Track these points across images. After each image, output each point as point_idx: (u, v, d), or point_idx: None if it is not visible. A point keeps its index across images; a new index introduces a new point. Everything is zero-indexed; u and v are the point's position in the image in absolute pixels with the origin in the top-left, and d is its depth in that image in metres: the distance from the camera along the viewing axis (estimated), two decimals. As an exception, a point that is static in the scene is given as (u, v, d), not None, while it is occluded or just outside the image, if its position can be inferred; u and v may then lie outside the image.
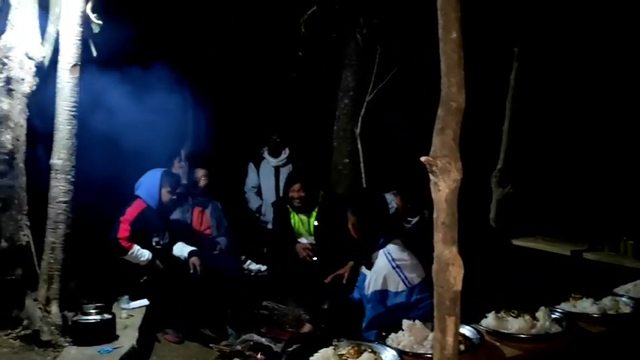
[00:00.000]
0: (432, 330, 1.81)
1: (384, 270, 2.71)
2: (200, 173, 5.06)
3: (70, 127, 3.53)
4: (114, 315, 3.42)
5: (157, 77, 4.50)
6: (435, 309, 1.33)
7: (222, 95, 5.25)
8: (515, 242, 3.60)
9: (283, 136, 5.51)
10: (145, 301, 4.09)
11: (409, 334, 1.77)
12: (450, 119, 1.38)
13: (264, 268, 5.27)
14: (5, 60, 3.25)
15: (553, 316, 2.00)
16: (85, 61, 3.59)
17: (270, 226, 5.59)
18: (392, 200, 5.54)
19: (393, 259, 2.69)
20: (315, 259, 4.79)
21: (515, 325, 1.87)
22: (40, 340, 3.19)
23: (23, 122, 3.35)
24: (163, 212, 4.47)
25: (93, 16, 3.57)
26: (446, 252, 1.33)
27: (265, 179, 5.66)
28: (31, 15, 3.38)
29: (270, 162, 5.60)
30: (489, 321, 1.93)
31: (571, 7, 3.46)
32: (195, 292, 4.36)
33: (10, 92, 3.26)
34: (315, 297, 4.80)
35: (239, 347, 4.03)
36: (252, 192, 5.70)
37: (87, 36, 3.62)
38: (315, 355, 1.60)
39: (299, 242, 4.91)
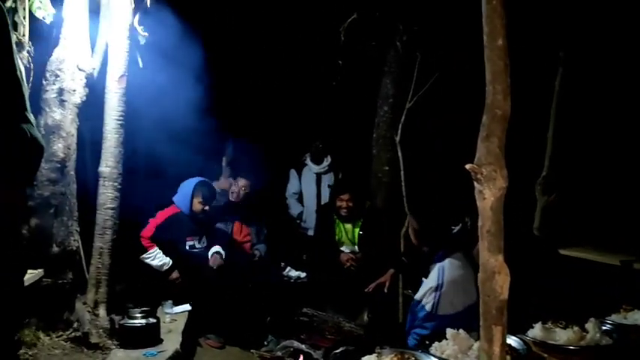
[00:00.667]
0: (476, 340, 1.80)
1: (430, 284, 2.70)
2: (241, 183, 5.13)
3: (117, 135, 3.66)
4: (158, 319, 3.50)
5: (200, 85, 4.61)
6: (482, 318, 1.32)
7: (264, 102, 5.31)
8: (563, 252, 3.51)
9: (326, 143, 5.55)
10: (187, 306, 4.17)
11: (453, 343, 1.75)
12: (495, 127, 1.37)
13: (303, 275, 5.30)
14: (58, 72, 3.38)
15: (603, 327, 1.95)
16: (130, 72, 3.73)
17: (310, 232, 5.63)
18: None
19: (443, 279, 2.66)
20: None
21: (563, 336, 1.83)
22: (89, 343, 3.30)
23: (74, 131, 3.47)
24: (199, 218, 4.51)
25: (140, 29, 3.70)
26: (492, 260, 1.31)
27: (307, 186, 5.69)
28: (82, 29, 3.51)
29: (312, 169, 5.63)
30: (536, 331, 1.89)
31: (619, 10, 3.38)
32: (235, 297, 4.44)
33: (62, 103, 3.38)
34: (356, 305, 4.83)
35: (279, 353, 4.07)
36: (293, 198, 5.75)
37: (133, 47, 3.75)
38: (359, 361, 1.61)
39: (342, 251, 4.94)
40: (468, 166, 1.37)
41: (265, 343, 4.45)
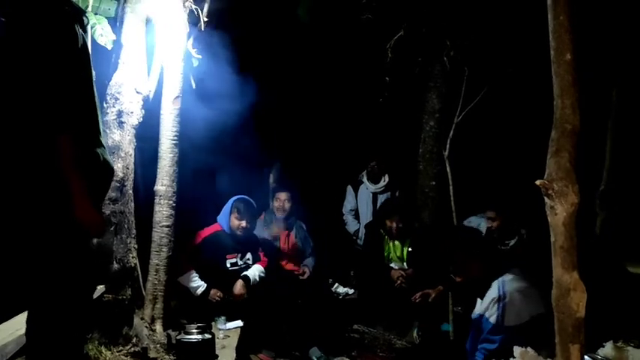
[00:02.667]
0: (545, 358, 1.77)
1: (491, 295, 2.67)
2: (282, 197, 5.17)
3: (172, 155, 3.76)
4: (214, 335, 3.56)
5: (250, 104, 4.71)
6: (557, 336, 1.30)
7: (315, 122, 5.40)
8: (630, 269, 3.40)
9: (382, 162, 5.57)
10: (239, 322, 4.22)
11: (521, 360, 1.74)
12: (564, 141, 1.37)
13: (351, 291, 5.31)
14: (117, 95, 3.50)
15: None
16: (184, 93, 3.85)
17: (366, 249, 5.64)
18: (480, 223, 5.45)
19: (504, 291, 2.62)
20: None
21: (636, 355, 1.78)
22: (148, 357, 3.37)
23: (132, 151, 3.58)
24: (235, 237, 4.49)
25: (193, 51, 3.82)
26: (566, 277, 1.30)
27: (363, 204, 5.72)
28: (140, 53, 3.64)
29: (368, 188, 5.66)
30: (607, 350, 1.85)
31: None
32: (285, 312, 4.46)
33: (121, 124, 3.50)
34: (405, 323, 4.80)
35: (331, 370, 4.08)
36: (350, 215, 5.78)
37: (187, 70, 3.88)
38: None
39: (392, 268, 4.93)
40: (538, 182, 1.37)
41: (314, 359, 4.46)
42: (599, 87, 3.65)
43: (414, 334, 4.67)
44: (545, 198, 1.35)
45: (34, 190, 1.95)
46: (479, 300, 2.86)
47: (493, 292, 2.66)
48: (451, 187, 4.52)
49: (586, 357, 1.79)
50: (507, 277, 2.71)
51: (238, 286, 4.35)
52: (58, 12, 2.00)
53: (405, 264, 5.04)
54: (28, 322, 2.03)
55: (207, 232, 4.39)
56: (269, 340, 4.35)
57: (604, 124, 3.67)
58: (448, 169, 4.55)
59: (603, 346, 1.91)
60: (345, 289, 5.33)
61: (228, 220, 4.39)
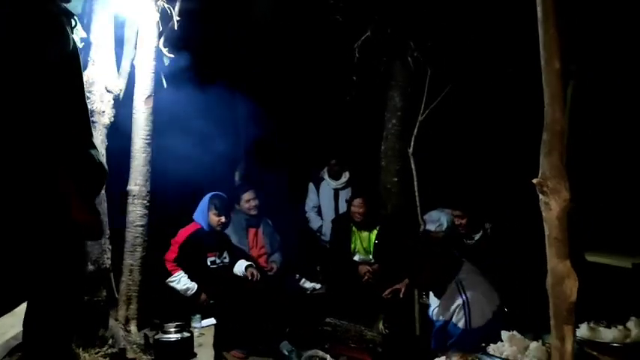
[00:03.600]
0: (531, 340, 1.92)
1: (456, 302, 2.71)
2: (247, 196, 5.20)
3: (145, 154, 3.76)
4: (192, 333, 3.58)
5: (215, 102, 4.72)
6: (553, 318, 1.44)
7: (282, 118, 5.46)
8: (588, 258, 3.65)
9: (342, 160, 5.66)
10: (213, 320, 4.25)
11: (510, 344, 1.87)
12: (555, 142, 1.51)
13: (318, 286, 5.40)
14: (88, 94, 3.46)
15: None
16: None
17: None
18: (442, 217, 5.65)
19: (466, 294, 2.69)
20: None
21: (609, 335, 1.95)
22: (126, 358, 3.36)
23: (103, 151, 3.55)
24: (218, 233, 4.59)
25: (165, 50, 3.81)
26: (560, 266, 1.44)
27: (325, 200, 5.80)
28: (109, 51, 3.61)
29: (330, 184, 5.75)
30: (583, 331, 2.02)
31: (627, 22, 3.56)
32: (256, 308, 4.52)
33: (92, 124, 3.46)
34: (372, 315, 4.93)
35: (306, 364, 4.17)
36: (313, 212, 5.84)
37: (158, 69, 3.86)
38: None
39: (357, 262, 5.04)
40: (534, 181, 1.50)
41: (285, 352, 4.54)
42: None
43: (380, 326, 4.82)
44: (540, 195, 1.48)
45: (32, 192, 1.94)
46: (434, 298, 2.97)
47: (455, 298, 2.72)
48: (416, 184, 4.68)
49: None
50: (462, 275, 2.79)
51: (255, 273, 4.55)
52: (50, 15, 1.99)
53: (371, 256, 5.16)
54: (25, 321, 2.03)
55: (187, 231, 4.39)
56: (241, 337, 4.42)
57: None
58: (413, 165, 4.70)
59: (578, 327, 2.08)
60: (312, 284, 5.40)
61: (207, 217, 4.41)
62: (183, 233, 4.38)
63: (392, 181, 5.79)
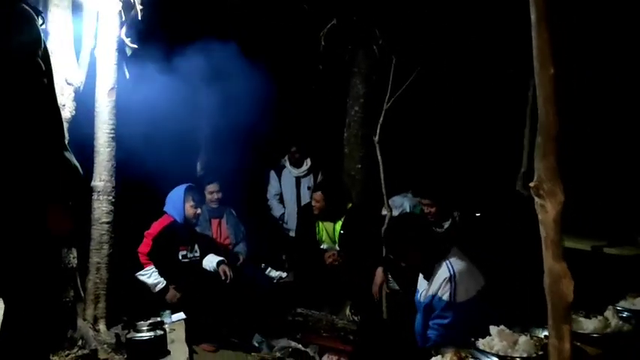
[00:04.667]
0: (519, 334, 1.99)
1: (443, 276, 2.83)
2: (212, 188, 5.13)
3: (109, 149, 3.64)
4: (165, 331, 3.52)
5: (178, 92, 4.60)
6: (550, 318, 1.49)
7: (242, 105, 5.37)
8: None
9: (303, 147, 5.64)
10: (182, 315, 4.18)
11: (500, 339, 1.93)
12: (550, 146, 1.54)
13: (284, 275, 5.40)
14: (48, 87, 3.31)
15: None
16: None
17: (292, 233, 5.73)
18: (404, 202, 5.73)
19: (454, 270, 2.79)
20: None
21: (590, 325, 2.03)
22: (98, 359, 3.28)
23: (66, 147, 3.41)
24: (190, 226, 4.53)
25: (127, 40, 3.67)
26: (556, 267, 1.48)
27: (286, 188, 5.77)
28: (68, 42, 3.45)
29: (291, 172, 5.72)
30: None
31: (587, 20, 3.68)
32: (225, 301, 4.49)
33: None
34: (339, 302, 4.99)
35: (279, 354, 4.18)
36: (274, 200, 5.82)
37: (120, 59, 3.72)
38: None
39: (323, 249, 5.06)
40: (531, 184, 1.53)
41: (255, 344, 4.54)
42: (519, 79, 3.98)
43: (347, 312, 4.87)
44: (536, 198, 1.51)
45: (6, 198, 1.86)
46: (423, 281, 3.05)
47: (444, 273, 2.84)
48: (382, 171, 4.72)
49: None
50: (451, 257, 2.90)
51: (227, 268, 4.46)
52: (23, 11, 1.89)
53: (336, 245, 5.20)
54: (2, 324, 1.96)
55: (161, 224, 4.29)
56: (212, 330, 4.39)
57: (523, 112, 4.01)
58: (378, 153, 4.73)
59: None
60: (278, 272, 5.41)
61: (182, 209, 4.33)
62: (157, 226, 4.29)
63: (355, 168, 5.82)
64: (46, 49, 1.99)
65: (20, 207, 1.88)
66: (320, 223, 5.14)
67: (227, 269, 4.45)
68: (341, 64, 5.10)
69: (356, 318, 4.60)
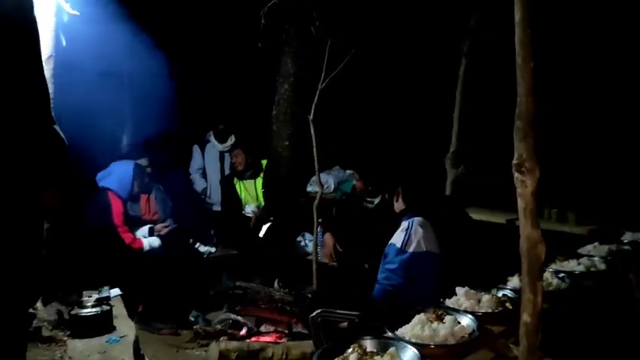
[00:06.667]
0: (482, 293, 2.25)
1: (402, 228, 3.09)
2: (142, 163, 5.06)
3: (47, 120, 3.46)
4: (111, 306, 3.47)
5: (114, 60, 4.45)
6: (526, 276, 1.73)
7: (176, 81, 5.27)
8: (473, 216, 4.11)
9: (229, 123, 5.66)
10: (118, 291, 4.12)
11: (466, 298, 2.18)
12: (529, 129, 1.77)
13: (213, 249, 5.45)
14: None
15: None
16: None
17: (216, 208, 5.76)
18: (329, 179, 5.95)
19: (412, 226, 3.04)
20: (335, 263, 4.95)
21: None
22: (42, 337, 3.18)
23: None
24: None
25: (67, 6, 3.50)
26: (534, 233, 1.73)
27: (210, 162, 5.79)
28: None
29: (216, 146, 5.72)
30: (515, 282, 2.40)
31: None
32: (160, 280, 4.48)
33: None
34: (267, 274, 5.13)
35: (219, 327, 4.26)
36: (197, 174, 5.81)
37: (57, 26, 3.54)
38: (413, 320, 1.94)
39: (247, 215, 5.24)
40: (514, 162, 1.76)
41: (191, 319, 4.58)
42: (451, 61, 4.29)
43: (276, 285, 5.02)
44: (517, 174, 1.74)
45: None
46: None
47: (404, 225, 3.10)
48: (315, 148, 4.87)
49: (507, 291, 2.31)
50: (417, 218, 3.13)
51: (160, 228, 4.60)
52: None
53: (261, 203, 5.36)
54: None
55: (117, 207, 4.19)
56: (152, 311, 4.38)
57: (452, 95, 4.32)
58: (312, 131, 4.87)
59: (509, 280, 2.47)
60: (207, 247, 5.44)
61: (130, 187, 4.25)
62: (117, 211, 4.26)
63: (283, 145, 5.97)
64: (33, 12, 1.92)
65: (13, 180, 1.82)
66: (241, 185, 5.29)
67: (159, 226, 4.44)
68: (275, 43, 5.15)
69: (285, 290, 4.76)
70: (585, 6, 4.27)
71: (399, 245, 3.01)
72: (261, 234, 5.29)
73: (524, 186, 1.75)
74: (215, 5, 4.86)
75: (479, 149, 4.42)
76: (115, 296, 4.04)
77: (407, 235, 3.00)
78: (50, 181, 1.90)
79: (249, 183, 5.38)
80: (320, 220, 4.88)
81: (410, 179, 3.46)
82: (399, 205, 3.33)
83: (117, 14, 4.24)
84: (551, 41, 4.10)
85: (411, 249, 3.00)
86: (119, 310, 3.81)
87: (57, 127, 1.99)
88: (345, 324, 2.77)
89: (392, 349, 1.76)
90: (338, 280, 4.53)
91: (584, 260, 2.75)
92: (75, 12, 3.49)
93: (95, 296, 3.41)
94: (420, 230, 3.02)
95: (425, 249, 3.01)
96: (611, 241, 3.13)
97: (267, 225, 5.29)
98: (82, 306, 3.32)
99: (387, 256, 3.09)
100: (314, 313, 2.80)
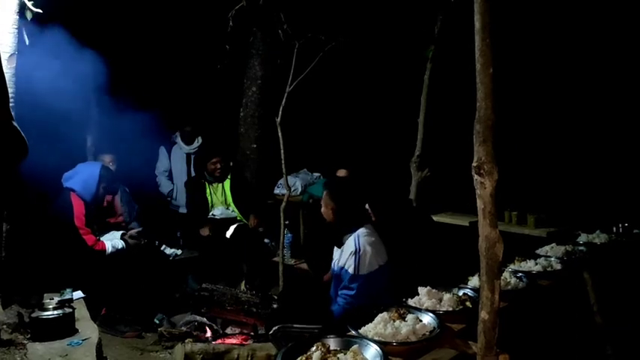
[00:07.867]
0: (443, 292, 2.30)
1: (349, 250, 3.08)
2: (107, 159, 5.04)
3: (9, 119, 3.39)
4: (73, 309, 3.41)
5: (64, 65, 4.37)
6: (484, 275, 1.79)
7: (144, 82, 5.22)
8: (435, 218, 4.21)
9: (195, 125, 5.65)
10: (80, 293, 4.05)
11: (428, 297, 2.23)
12: (488, 133, 1.84)
13: (179, 252, 5.41)
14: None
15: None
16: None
17: (182, 210, 5.73)
18: (296, 182, 5.98)
19: (359, 245, 3.05)
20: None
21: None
22: (1, 339, 3.11)
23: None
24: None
25: (29, 4, 3.44)
26: (492, 233, 1.79)
27: (176, 164, 5.76)
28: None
29: (182, 148, 5.69)
30: (474, 282, 2.47)
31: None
32: (125, 283, 4.43)
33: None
34: (233, 276, 5.13)
35: (184, 328, 4.23)
36: (163, 176, 5.77)
37: (20, 24, 3.48)
38: (376, 319, 1.98)
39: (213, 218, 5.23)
40: (473, 164, 1.82)
41: (156, 321, 4.54)
42: (416, 66, 4.37)
43: (242, 287, 5.03)
44: (476, 176, 1.80)
45: None
46: (337, 250, 3.31)
47: (350, 246, 3.10)
48: (282, 151, 4.89)
49: (467, 290, 2.37)
50: (361, 231, 3.17)
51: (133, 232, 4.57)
52: None
53: (230, 207, 5.35)
54: None
55: (79, 209, 4.10)
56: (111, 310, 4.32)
57: (417, 100, 4.40)
58: (280, 134, 4.90)
59: (470, 280, 2.53)
60: (173, 249, 5.39)
61: (95, 189, 4.18)
62: (79, 213, 4.15)
63: (251, 147, 5.97)
64: None
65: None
66: (208, 188, 5.28)
67: (133, 232, 4.42)
68: (242, 45, 5.16)
69: (252, 292, 4.77)
70: (548, 11, 4.42)
71: (351, 271, 3.03)
72: (228, 234, 5.28)
73: (483, 187, 1.82)
74: (183, 7, 4.84)
75: (444, 153, 4.51)
76: (78, 299, 3.97)
77: (357, 258, 3.02)
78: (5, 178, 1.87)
79: (217, 186, 5.36)
80: (287, 223, 4.95)
81: (378, 198, 3.51)
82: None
83: (79, 16, 4.16)
84: (512, 47, 4.23)
85: (364, 271, 3.03)
86: (82, 312, 3.74)
87: (15, 124, 1.96)
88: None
89: (355, 347, 1.80)
90: (303, 283, 4.58)
91: (541, 260, 2.85)
92: (38, 10, 3.43)
93: (57, 299, 3.34)
94: (368, 249, 3.04)
95: (377, 266, 3.06)
96: (567, 242, 3.25)
97: (234, 226, 5.28)
98: (44, 308, 3.24)
99: (341, 280, 3.11)
100: (272, 330, 2.85)
